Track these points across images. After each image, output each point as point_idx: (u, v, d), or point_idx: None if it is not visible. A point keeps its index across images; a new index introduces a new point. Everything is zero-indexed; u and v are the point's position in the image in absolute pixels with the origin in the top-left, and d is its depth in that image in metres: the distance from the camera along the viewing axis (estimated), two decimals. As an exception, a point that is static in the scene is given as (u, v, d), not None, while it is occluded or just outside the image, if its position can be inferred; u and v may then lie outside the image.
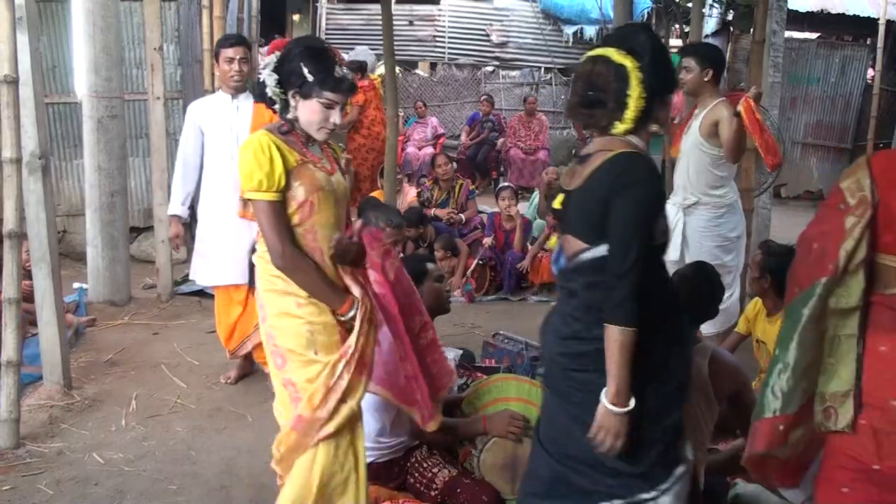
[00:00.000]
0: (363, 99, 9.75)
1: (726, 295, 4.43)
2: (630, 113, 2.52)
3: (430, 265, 3.95)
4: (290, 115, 3.00)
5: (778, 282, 4.36)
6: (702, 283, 3.52)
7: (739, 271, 5.15)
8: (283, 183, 2.90)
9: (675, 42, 7.12)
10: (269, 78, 2.97)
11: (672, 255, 4.84)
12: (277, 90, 2.97)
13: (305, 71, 2.91)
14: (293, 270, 2.93)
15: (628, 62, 2.50)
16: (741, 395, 3.43)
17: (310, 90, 2.93)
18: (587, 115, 2.61)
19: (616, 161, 2.51)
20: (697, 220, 4.92)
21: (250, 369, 5.32)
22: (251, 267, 4.57)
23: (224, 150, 4.91)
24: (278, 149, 2.91)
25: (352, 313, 2.98)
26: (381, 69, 14.92)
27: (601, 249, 2.51)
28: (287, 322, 2.99)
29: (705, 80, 4.85)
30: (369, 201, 6.73)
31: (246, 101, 4.99)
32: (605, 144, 2.59)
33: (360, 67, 10.85)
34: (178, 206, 5.12)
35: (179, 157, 5.08)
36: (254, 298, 4.56)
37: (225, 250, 4.94)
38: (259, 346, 4.77)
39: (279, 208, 2.92)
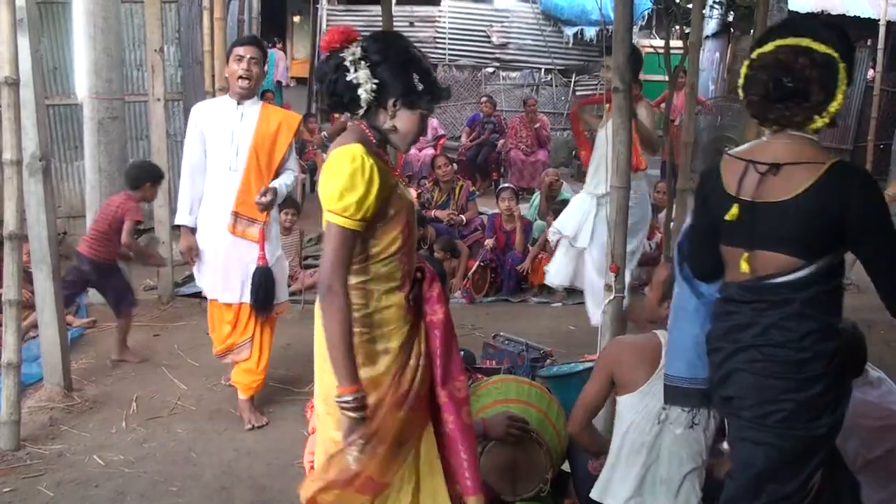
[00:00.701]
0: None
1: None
2: (835, 106, 2.42)
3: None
4: (384, 125, 2.68)
5: None
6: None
7: (638, 255, 5.78)
8: (371, 212, 2.56)
9: (676, 43, 7.11)
10: (365, 80, 2.60)
11: (582, 243, 5.04)
12: (373, 95, 2.61)
13: (416, 79, 2.64)
14: (331, 310, 2.55)
15: (834, 53, 2.41)
16: None
17: (417, 100, 2.66)
18: (780, 109, 2.48)
19: (843, 173, 2.41)
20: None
21: None
22: (257, 285, 4.59)
23: (223, 160, 4.61)
24: (379, 172, 2.56)
25: (346, 398, 2.53)
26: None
27: (821, 264, 2.45)
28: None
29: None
30: None
31: (252, 109, 4.65)
32: (795, 149, 2.48)
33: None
34: (185, 216, 4.75)
35: (186, 163, 4.73)
36: (244, 317, 4.73)
37: (217, 267, 4.69)
38: (240, 365, 4.78)
39: (353, 239, 2.57)
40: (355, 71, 2.60)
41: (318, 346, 2.71)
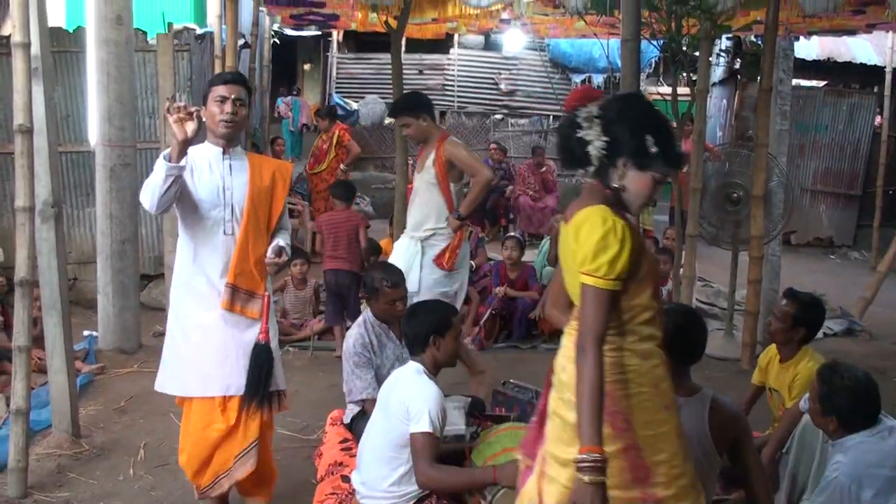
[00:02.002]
0: (347, 139, 10.61)
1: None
2: None
3: (454, 318, 3.90)
4: (614, 184, 2.65)
5: (810, 332, 4.41)
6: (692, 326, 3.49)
7: (461, 298, 5.72)
8: (625, 272, 2.55)
9: (683, 90, 7.16)
10: (595, 137, 2.61)
11: (412, 288, 5.09)
12: (603, 153, 2.61)
13: (650, 141, 2.60)
14: (584, 371, 2.51)
15: None
16: (740, 441, 3.39)
17: (648, 162, 2.61)
18: None
19: None
20: (434, 250, 5.34)
21: None
22: (259, 367, 3.73)
23: (213, 222, 3.76)
24: (630, 231, 2.57)
25: (586, 458, 2.45)
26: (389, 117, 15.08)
27: None
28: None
29: (424, 125, 5.36)
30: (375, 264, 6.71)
31: (240, 159, 3.86)
32: None
33: (331, 112, 11.18)
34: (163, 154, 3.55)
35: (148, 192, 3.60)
36: (246, 416, 3.77)
37: (209, 351, 3.76)
38: (250, 477, 3.83)
39: (608, 299, 2.55)
40: (588, 128, 2.62)
41: (562, 398, 2.69)
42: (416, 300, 5.11)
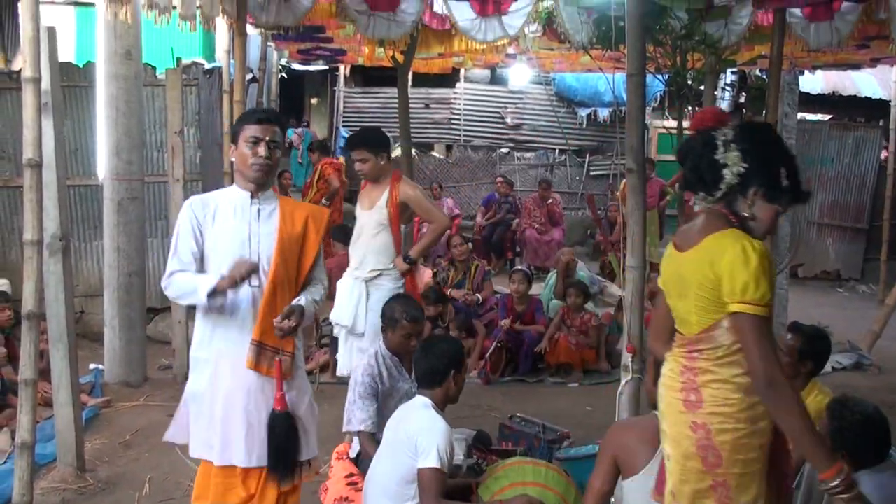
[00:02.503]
0: (329, 173, 10.70)
1: None
2: None
3: (468, 359, 3.89)
4: (744, 212, 2.63)
5: (816, 365, 4.38)
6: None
7: None
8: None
9: (688, 124, 7.17)
10: (735, 162, 2.59)
11: (360, 329, 5.14)
12: (737, 179, 2.59)
13: (783, 175, 2.60)
14: (784, 403, 2.46)
15: None
16: None
17: (778, 195, 2.61)
18: None
19: None
20: (381, 291, 5.17)
21: None
22: (277, 439, 3.40)
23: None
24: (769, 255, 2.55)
25: (834, 482, 2.39)
26: (397, 151, 15.14)
27: None
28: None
29: (381, 163, 5.27)
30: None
31: (270, 203, 3.54)
32: None
33: (322, 146, 11.24)
34: (209, 281, 3.34)
35: (173, 272, 3.46)
36: (268, 487, 3.46)
37: (228, 417, 3.44)
38: None
39: (770, 326, 2.52)
40: (725, 151, 2.59)
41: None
42: (362, 344, 5.08)
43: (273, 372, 3.41)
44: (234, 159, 3.54)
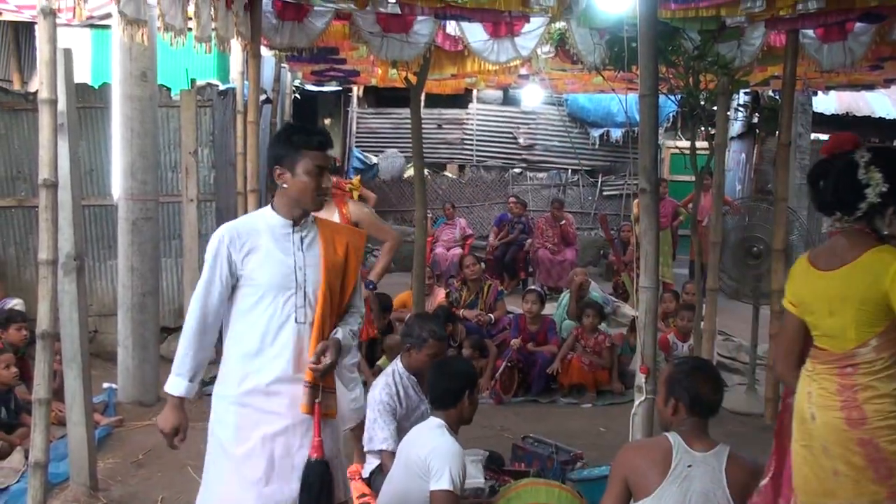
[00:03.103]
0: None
1: (356, 392, 4.84)
2: None
3: (480, 380, 3.91)
4: (884, 231, 2.77)
5: None
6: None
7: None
8: None
9: (702, 144, 7.19)
10: (878, 182, 2.70)
11: None
12: (878, 199, 2.71)
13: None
14: None
15: None
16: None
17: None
18: None
19: None
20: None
21: None
22: (311, 490, 3.10)
23: (283, 309, 3.20)
24: None
25: None
26: (409, 171, 15.22)
27: None
28: None
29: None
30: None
31: (311, 230, 3.31)
32: None
33: (336, 168, 11.29)
34: (182, 383, 3.21)
35: (198, 306, 3.28)
36: None
37: (272, 464, 3.15)
38: None
39: None
40: (867, 172, 2.69)
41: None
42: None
43: (329, 412, 3.20)
44: (284, 185, 3.22)
